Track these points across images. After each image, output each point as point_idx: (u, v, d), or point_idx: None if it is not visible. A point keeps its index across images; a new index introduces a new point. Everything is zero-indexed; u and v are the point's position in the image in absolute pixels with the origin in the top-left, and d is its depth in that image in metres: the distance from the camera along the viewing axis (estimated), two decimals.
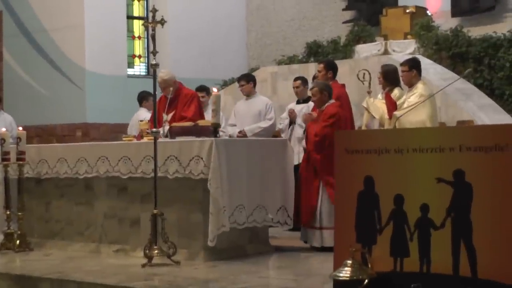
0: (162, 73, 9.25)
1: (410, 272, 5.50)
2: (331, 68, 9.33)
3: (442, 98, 11.30)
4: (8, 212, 8.96)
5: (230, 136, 10.17)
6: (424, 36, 14.16)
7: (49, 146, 10.03)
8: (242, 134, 10.24)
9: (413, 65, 8.82)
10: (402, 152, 5.60)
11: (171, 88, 9.18)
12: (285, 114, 10.50)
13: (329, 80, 9.14)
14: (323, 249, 8.23)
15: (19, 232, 8.84)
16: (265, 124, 10.34)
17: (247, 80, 10.60)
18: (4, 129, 9.50)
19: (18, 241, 8.78)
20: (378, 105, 9.11)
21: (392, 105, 8.77)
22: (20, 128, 9.30)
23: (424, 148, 5.49)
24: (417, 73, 8.77)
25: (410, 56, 10.61)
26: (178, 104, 9.29)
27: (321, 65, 9.44)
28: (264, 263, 7.80)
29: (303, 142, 9.27)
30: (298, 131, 10.03)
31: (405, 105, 8.58)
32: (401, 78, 8.98)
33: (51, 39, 16.00)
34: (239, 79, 10.94)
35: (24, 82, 16.43)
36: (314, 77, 10.14)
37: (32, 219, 9.20)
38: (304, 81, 10.46)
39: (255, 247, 8.26)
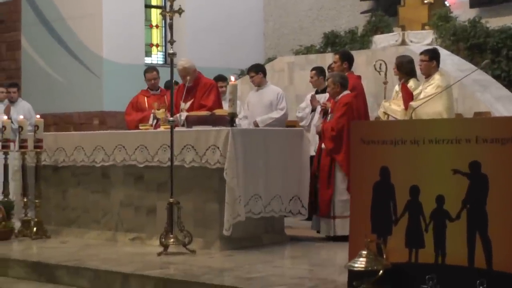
0: (182, 61, 9.28)
1: (425, 263, 5.50)
2: (347, 59, 9.27)
3: (459, 89, 11.26)
4: (25, 200, 9.02)
5: None
6: (442, 27, 14.10)
7: (66, 134, 10.08)
8: (254, 125, 10.19)
9: (433, 56, 8.79)
10: (418, 143, 5.58)
11: (188, 77, 9.19)
12: (304, 104, 10.46)
13: (344, 71, 9.10)
14: (335, 238, 8.27)
15: (36, 219, 8.89)
16: (277, 114, 10.25)
17: (256, 71, 10.50)
18: (21, 117, 9.56)
19: (35, 228, 8.83)
20: (394, 107, 9.04)
21: (408, 96, 8.75)
22: (38, 116, 9.34)
23: (440, 139, 5.47)
24: (436, 64, 8.76)
25: (430, 47, 10.55)
26: (196, 93, 9.31)
27: (337, 56, 9.39)
28: (279, 252, 7.80)
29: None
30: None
31: (421, 96, 8.56)
32: (419, 67, 8.93)
33: (69, 27, 16.07)
34: (248, 71, 10.87)
35: (42, 70, 16.51)
36: (330, 67, 10.12)
37: (49, 207, 9.26)
38: (319, 71, 10.40)
39: (271, 237, 8.26)
